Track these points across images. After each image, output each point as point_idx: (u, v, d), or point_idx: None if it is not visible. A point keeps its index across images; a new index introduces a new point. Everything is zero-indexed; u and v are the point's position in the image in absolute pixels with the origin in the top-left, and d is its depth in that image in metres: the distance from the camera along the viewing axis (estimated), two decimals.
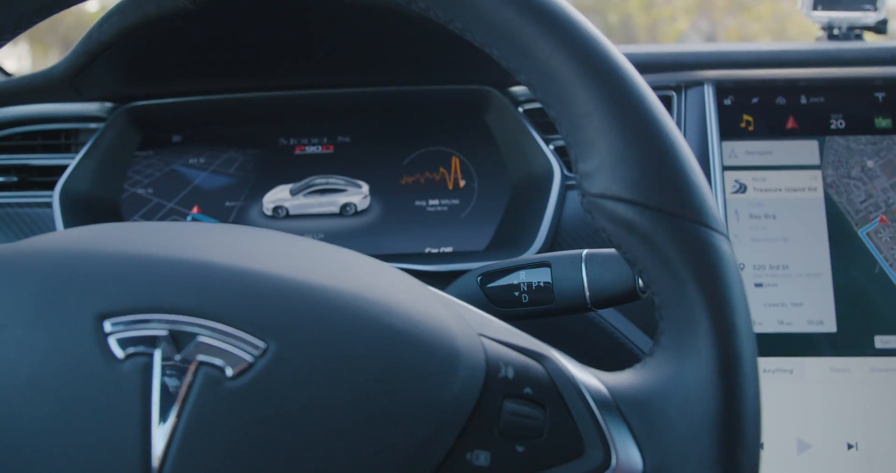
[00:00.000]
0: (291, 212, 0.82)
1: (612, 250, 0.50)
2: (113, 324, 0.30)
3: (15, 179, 0.82)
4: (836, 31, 0.92)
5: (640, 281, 0.50)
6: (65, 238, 0.35)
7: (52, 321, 0.31)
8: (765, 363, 0.76)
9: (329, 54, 0.77)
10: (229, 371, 0.30)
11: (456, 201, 0.82)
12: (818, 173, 0.80)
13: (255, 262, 0.33)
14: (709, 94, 0.79)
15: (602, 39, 0.35)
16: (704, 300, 0.32)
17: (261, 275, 0.32)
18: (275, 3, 0.68)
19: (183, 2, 0.64)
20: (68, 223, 0.76)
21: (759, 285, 0.77)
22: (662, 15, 4.11)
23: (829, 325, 0.77)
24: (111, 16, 0.69)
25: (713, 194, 0.76)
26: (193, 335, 0.30)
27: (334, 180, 0.82)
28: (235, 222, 0.82)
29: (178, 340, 0.30)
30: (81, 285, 0.31)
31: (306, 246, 0.36)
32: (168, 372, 0.30)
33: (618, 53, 0.35)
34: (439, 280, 0.74)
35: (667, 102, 0.80)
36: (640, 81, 0.35)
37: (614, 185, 0.33)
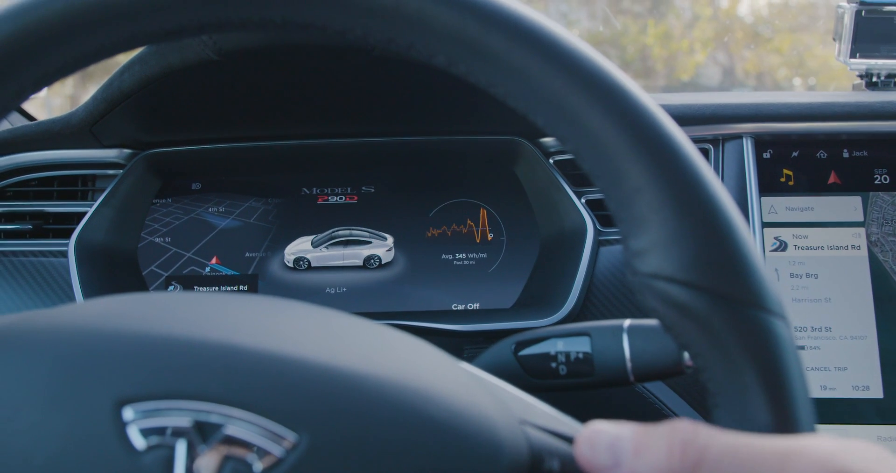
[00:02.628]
0: (313, 264, 0.79)
1: (656, 322, 0.48)
2: (134, 411, 0.28)
3: (30, 226, 0.79)
4: (874, 79, 0.90)
5: (686, 356, 0.48)
6: (84, 312, 0.33)
7: (68, 406, 0.29)
8: None
9: (355, 104, 0.75)
10: (258, 467, 0.28)
11: (483, 255, 0.79)
12: (862, 231, 0.77)
13: (286, 343, 0.31)
14: (748, 147, 0.77)
15: (654, 109, 0.33)
16: (764, 392, 0.30)
17: (292, 359, 0.30)
18: (301, 54, 0.66)
19: (208, 53, 0.62)
20: (83, 274, 0.74)
21: (800, 347, 0.74)
22: (680, 47, 4.12)
23: (876, 391, 0.74)
24: (132, 65, 0.67)
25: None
26: (219, 426, 0.28)
27: (358, 232, 0.80)
28: (255, 273, 0.80)
29: (203, 430, 0.28)
30: (100, 367, 0.29)
31: (340, 323, 0.34)
32: (192, 467, 0.28)
33: (671, 124, 0.33)
34: (467, 340, 0.72)
35: (704, 155, 0.78)
36: (695, 154, 0.32)
37: (667, 265, 0.31)
